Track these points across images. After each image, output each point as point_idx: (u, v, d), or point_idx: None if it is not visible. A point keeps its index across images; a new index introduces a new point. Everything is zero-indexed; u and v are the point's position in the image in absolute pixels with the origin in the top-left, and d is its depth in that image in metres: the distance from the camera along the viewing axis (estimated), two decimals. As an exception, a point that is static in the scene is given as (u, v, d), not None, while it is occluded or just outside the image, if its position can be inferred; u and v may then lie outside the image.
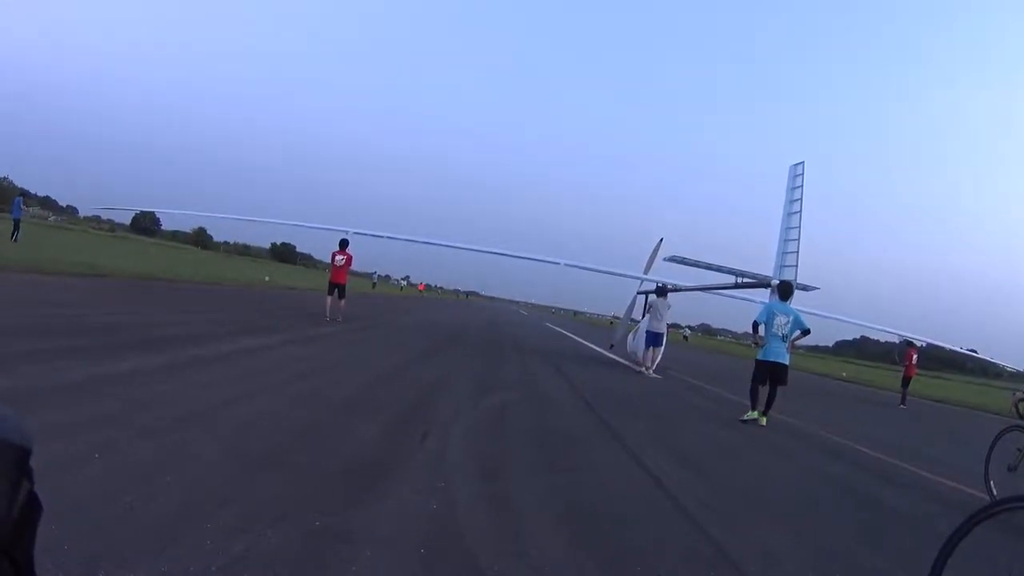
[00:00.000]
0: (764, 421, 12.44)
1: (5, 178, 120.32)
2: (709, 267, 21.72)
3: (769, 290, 17.55)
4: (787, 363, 12.79)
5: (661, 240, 26.38)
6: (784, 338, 12.61)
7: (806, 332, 13.00)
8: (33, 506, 0.76)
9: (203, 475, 4.66)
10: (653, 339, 21.25)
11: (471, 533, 4.44)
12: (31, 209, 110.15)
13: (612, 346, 30.58)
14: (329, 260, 21.75)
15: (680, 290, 24.40)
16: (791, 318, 12.64)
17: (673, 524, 5.47)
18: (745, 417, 12.68)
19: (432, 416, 8.39)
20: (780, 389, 12.79)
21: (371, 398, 9.04)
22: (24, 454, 0.74)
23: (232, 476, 4.76)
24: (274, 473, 4.99)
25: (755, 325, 12.99)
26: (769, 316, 12.72)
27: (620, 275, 27.04)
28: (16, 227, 31.57)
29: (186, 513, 3.94)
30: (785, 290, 13.54)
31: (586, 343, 36.91)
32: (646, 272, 26.07)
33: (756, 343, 13.12)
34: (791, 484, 8.20)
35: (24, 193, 53.14)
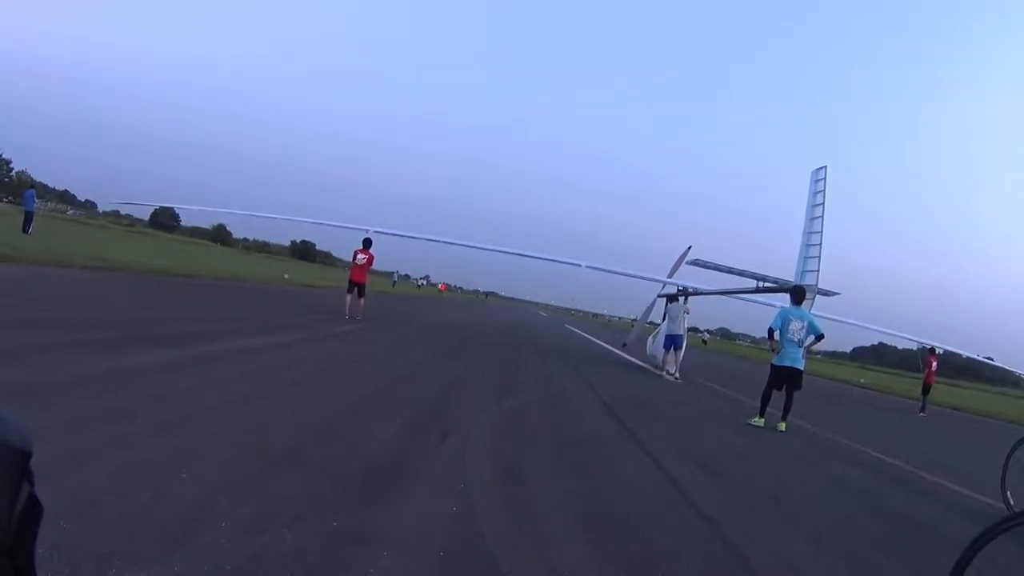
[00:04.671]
0: (783, 427, 12.34)
1: (23, 171, 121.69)
2: (731, 271, 21.54)
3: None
4: (802, 368, 12.74)
5: (689, 248, 26.20)
6: (799, 343, 12.55)
7: (820, 337, 12.90)
8: (34, 508, 0.75)
9: (219, 472, 4.61)
10: (672, 341, 21.23)
11: (491, 536, 4.38)
12: (49, 203, 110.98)
13: (625, 345, 30.58)
14: (350, 258, 21.70)
15: (700, 294, 24.29)
16: (806, 323, 12.59)
17: (693, 529, 5.41)
18: (752, 422, 12.62)
19: (451, 416, 8.35)
20: (797, 395, 12.72)
21: (390, 397, 9.01)
22: (24, 457, 0.73)
23: (248, 474, 4.71)
24: (291, 472, 4.93)
25: (770, 331, 12.93)
26: (784, 321, 12.65)
27: (641, 278, 26.90)
28: (29, 220, 31.71)
29: (201, 511, 3.89)
30: (799, 295, 13.45)
31: (606, 346, 36.81)
32: (670, 277, 25.97)
33: (772, 348, 13.05)
34: (811, 491, 8.11)
35: (35, 185, 53.20)
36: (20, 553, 0.73)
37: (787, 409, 12.54)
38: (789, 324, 12.57)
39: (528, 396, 11.45)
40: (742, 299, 25.40)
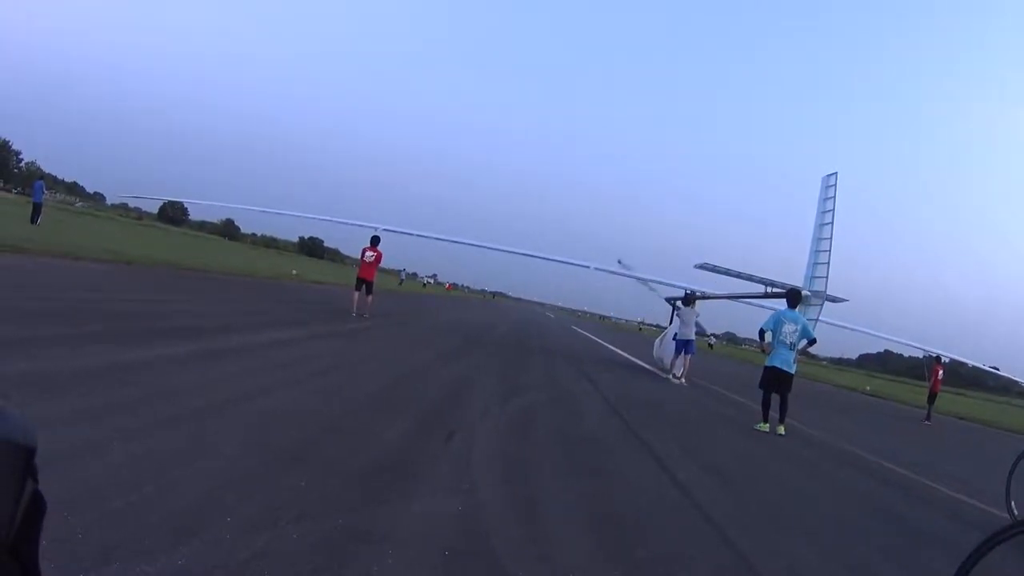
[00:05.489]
0: (783, 430, 12.33)
1: (32, 162, 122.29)
2: (739, 275, 21.51)
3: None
4: (792, 372, 12.71)
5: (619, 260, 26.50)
6: (792, 346, 12.55)
7: (812, 341, 12.96)
8: (38, 505, 0.74)
9: (224, 468, 4.60)
10: (683, 345, 21.13)
11: (495, 536, 4.37)
12: (57, 195, 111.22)
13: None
14: (358, 256, 21.69)
15: (708, 298, 24.22)
16: (799, 326, 12.61)
17: (698, 533, 5.40)
18: (757, 427, 12.61)
19: (458, 416, 8.33)
20: (798, 399, 12.71)
21: (397, 396, 9.01)
22: (28, 453, 0.72)
23: (253, 470, 4.69)
24: (296, 469, 4.92)
25: (761, 332, 13.04)
26: (776, 324, 12.71)
27: (649, 280, 26.85)
28: (37, 211, 31.78)
29: (205, 506, 3.88)
30: (795, 298, 13.45)
31: (613, 348, 36.83)
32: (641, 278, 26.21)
33: (763, 350, 13.13)
34: (816, 497, 8.12)
35: (44, 177, 53.41)
36: (24, 550, 0.72)
37: (783, 412, 12.52)
38: (782, 327, 12.60)
39: (534, 397, 11.43)
40: (751, 304, 25.37)
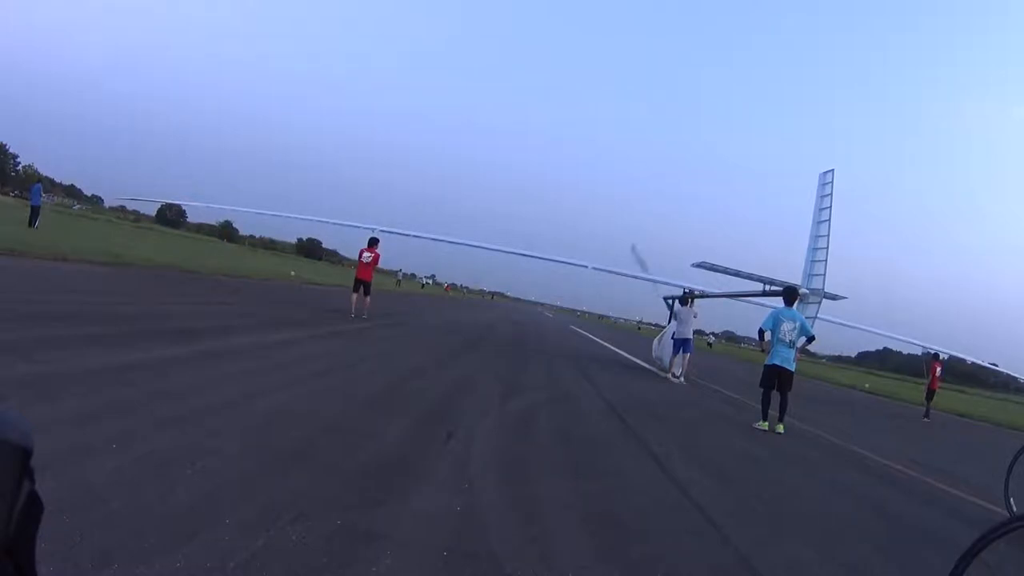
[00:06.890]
0: (782, 428, 12.32)
1: (30, 165, 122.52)
2: (737, 274, 21.51)
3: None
4: (793, 370, 12.73)
5: (634, 245, 26.37)
6: (791, 344, 12.55)
7: (811, 339, 12.98)
8: (34, 506, 0.75)
9: (223, 469, 4.59)
10: (681, 344, 21.10)
11: (495, 536, 4.36)
12: (55, 198, 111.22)
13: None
14: (356, 257, 21.68)
15: (707, 296, 24.19)
16: (797, 324, 12.62)
17: (698, 532, 5.39)
18: (757, 425, 12.60)
19: (457, 416, 8.32)
20: (797, 398, 12.68)
21: (396, 396, 9.00)
22: (25, 454, 0.73)
23: (252, 471, 4.69)
24: (295, 470, 4.92)
25: (761, 332, 13.04)
26: (775, 322, 12.70)
27: (648, 280, 26.83)
28: (35, 214, 31.70)
29: (204, 507, 3.88)
30: (791, 296, 13.45)
31: (611, 347, 36.80)
32: (646, 272, 26.08)
33: (763, 349, 13.13)
34: (816, 496, 8.08)
35: (42, 180, 53.50)
36: (21, 551, 0.73)
37: (783, 410, 12.51)
38: (781, 325, 12.59)
39: (533, 397, 11.42)
40: (750, 302, 25.36)
